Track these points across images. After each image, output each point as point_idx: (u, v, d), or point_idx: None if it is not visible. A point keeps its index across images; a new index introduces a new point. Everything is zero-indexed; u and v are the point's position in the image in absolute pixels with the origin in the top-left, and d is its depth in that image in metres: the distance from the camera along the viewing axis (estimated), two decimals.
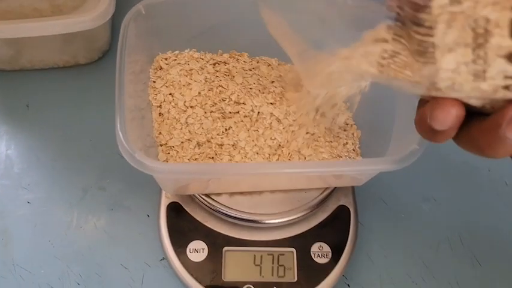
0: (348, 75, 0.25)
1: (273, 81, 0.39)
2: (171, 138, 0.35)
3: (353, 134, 0.39)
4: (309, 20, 0.28)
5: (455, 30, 0.19)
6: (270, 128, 0.36)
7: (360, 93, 0.28)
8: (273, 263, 0.35)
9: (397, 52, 0.22)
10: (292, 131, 0.36)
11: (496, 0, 0.18)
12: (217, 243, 0.35)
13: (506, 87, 0.19)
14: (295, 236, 0.36)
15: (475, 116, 0.21)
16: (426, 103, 0.22)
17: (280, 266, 0.35)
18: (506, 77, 0.19)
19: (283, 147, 0.35)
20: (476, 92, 0.20)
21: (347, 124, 0.39)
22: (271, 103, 0.37)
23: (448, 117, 0.21)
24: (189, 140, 0.35)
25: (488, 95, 0.20)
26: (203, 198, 0.35)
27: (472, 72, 0.20)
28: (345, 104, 0.40)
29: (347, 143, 0.38)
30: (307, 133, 0.36)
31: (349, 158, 0.37)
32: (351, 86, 0.27)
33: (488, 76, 0.19)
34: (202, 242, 0.35)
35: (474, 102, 0.21)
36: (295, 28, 0.30)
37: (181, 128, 0.35)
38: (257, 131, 0.36)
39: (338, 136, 0.38)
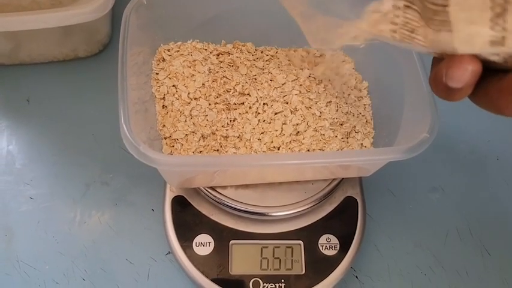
0: (357, 37, 0.25)
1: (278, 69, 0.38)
2: (175, 131, 0.35)
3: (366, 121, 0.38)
4: None
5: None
6: (276, 119, 0.35)
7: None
8: (280, 256, 0.35)
9: (410, 18, 0.22)
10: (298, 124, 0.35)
11: None
12: (223, 236, 0.35)
13: None
14: (302, 228, 0.35)
15: (492, 73, 0.21)
16: (440, 61, 0.21)
17: (288, 258, 0.35)
18: None
19: (289, 138, 0.35)
20: (493, 53, 0.20)
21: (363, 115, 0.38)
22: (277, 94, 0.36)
23: (465, 75, 0.20)
24: (193, 132, 0.35)
25: (507, 54, 0.20)
26: (208, 192, 0.35)
27: (489, 39, 0.19)
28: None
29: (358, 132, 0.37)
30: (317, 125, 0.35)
31: (360, 144, 0.36)
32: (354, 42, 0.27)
33: (508, 42, 0.19)
34: (208, 235, 0.35)
35: (491, 57, 0.20)
36: None
37: (185, 121, 0.35)
38: (263, 122, 0.35)
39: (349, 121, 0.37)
